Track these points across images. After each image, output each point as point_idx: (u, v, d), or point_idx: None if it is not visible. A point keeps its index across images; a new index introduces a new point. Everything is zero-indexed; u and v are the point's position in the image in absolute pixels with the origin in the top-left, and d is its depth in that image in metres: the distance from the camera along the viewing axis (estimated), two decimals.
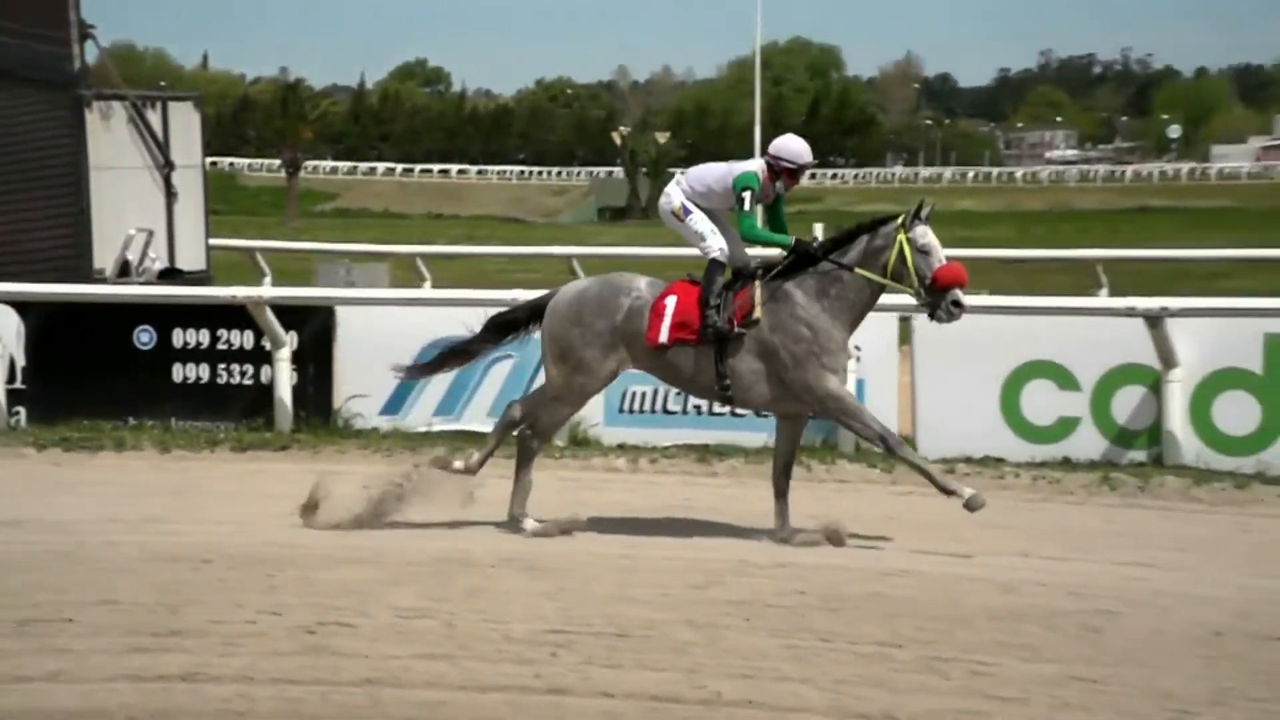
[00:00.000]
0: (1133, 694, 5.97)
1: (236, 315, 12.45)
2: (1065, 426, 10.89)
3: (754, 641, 6.68)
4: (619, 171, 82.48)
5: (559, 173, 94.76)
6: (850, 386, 11.32)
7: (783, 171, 8.88)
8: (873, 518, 9.18)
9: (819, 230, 23.68)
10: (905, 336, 11.49)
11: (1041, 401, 10.94)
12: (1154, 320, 10.49)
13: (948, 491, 8.52)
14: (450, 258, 26.09)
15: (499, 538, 8.73)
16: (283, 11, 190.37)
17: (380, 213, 76.31)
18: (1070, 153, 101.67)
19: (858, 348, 11.36)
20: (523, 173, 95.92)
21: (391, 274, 21.69)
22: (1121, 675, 6.19)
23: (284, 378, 12.30)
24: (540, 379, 9.64)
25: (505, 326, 9.30)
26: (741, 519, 9.07)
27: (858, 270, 8.60)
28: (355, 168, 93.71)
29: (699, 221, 8.95)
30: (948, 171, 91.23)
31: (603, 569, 8.01)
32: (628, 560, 8.24)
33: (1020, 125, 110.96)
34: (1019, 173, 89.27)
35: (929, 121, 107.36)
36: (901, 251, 8.51)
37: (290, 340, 12.35)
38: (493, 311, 9.60)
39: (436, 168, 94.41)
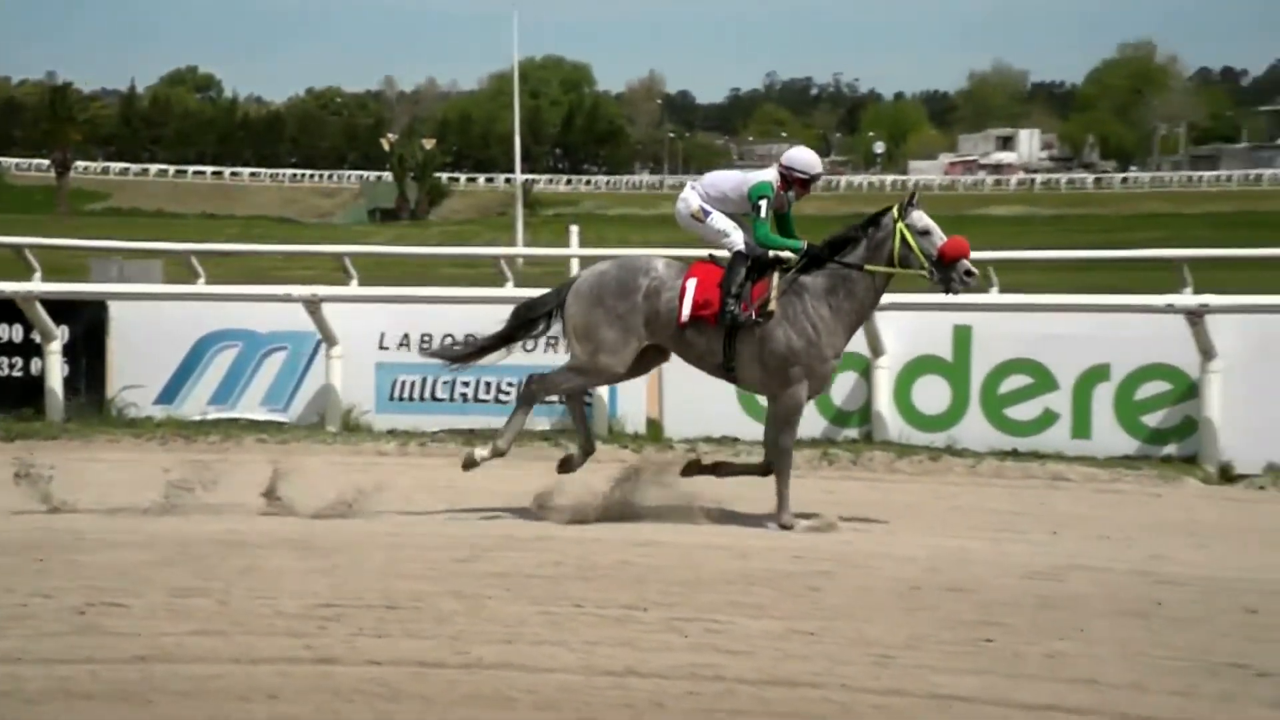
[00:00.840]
0: (843, 643, 6.19)
1: (6, 310, 11.98)
2: None
3: (514, 609, 6.69)
4: (388, 175, 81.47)
5: (330, 176, 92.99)
6: None
7: (795, 181, 8.77)
8: (621, 493, 9.24)
9: (574, 232, 23.92)
10: None
11: None
12: None
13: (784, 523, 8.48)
14: (225, 255, 25.37)
15: (273, 521, 8.54)
16: (48, 16, 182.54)
17: (153, 212, 73.77)
18: None
19: None
20: (294, 175, 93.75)
21: (165, 271, 21.01)
22: (835, 627, 6.41)
23: (55, 370, 11.87)
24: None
25: (532, 315, 9.08)
26: (504, 498, 9.05)
27: (867, 267, 8.51)
28: (127, 169, 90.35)
29: (719, 220, 8.81)
30: (688, 179, 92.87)
31: (373, 546, 7.90)
32: (397, 537, 8.16)
33: (751, 139, 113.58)
34: None
35: (671, 134, 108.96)
36: (903, 238, 8.44)
37: (62, 334, 11.93)
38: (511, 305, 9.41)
39: (209, 170, 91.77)
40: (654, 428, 11.47)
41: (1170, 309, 10.41)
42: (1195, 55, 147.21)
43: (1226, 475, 9.79)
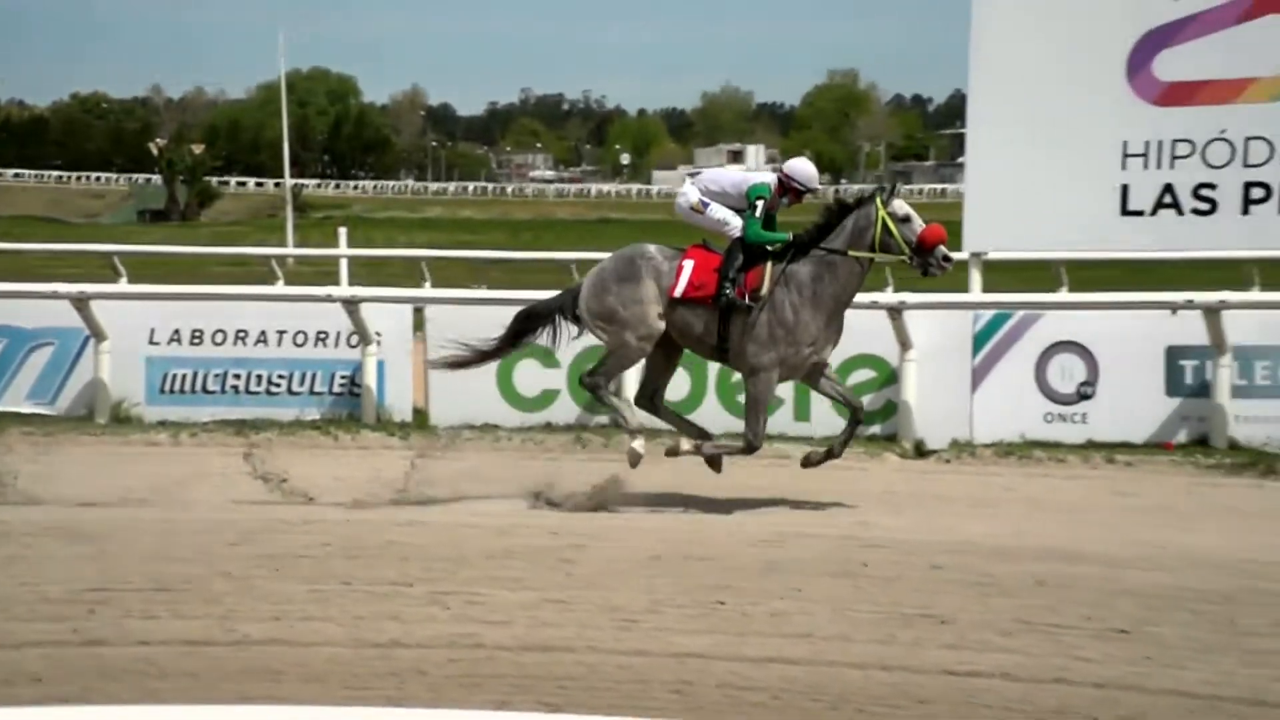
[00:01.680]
0: (592, 610, 6.24)
1: None
2: (548, 397, 11.24)
3: (283, 588, 6.53)
4: (158, 178, 78.23)
5: (97, 178, 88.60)
6: (371, 369, 11.41)
7: (791, 190, 8.70)
8: (391, 478, 9.13)
9: (343, 233, 23.46)
10: (419, 324, 11.63)
11: (530, 377, 11.24)
12: None
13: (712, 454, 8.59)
14: None
15: (40, 510, 8.11)
16: None
17: None
18: (549, 173, 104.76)
19: (378, 333, 11.44)
20: (61, 177, 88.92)
21: None
22: (585, 596, 6.46)
23: None
24: None
25: (531, 318, 8.95)
26: (276, 485, 8.81)
27: (850, 252, 8.36)
28: None
29: (718, 210, 8.70)
30: (451, 185, 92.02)
31: (143, 532, 7.59)
32: (168, 524, 7.85)
33: (509, 149, 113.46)
34: (509, 188, 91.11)
35: (435, 143, 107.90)
36: (885, 225, 8.29)
37: None
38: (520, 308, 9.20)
39: None
40: (421, 416, 11.36)
41: (875, 305, 10.79)
42: (891, 84, 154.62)
43: (920, 451, 10.20)
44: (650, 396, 8.91)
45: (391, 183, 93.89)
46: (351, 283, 17.45)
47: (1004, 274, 12.97)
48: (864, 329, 10.66)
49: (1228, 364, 9.79)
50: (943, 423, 10.29)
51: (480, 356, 9.16)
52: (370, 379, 11.36)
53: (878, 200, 8.36)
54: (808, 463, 8.74)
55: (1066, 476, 9.29)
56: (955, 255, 11.80)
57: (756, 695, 5.26)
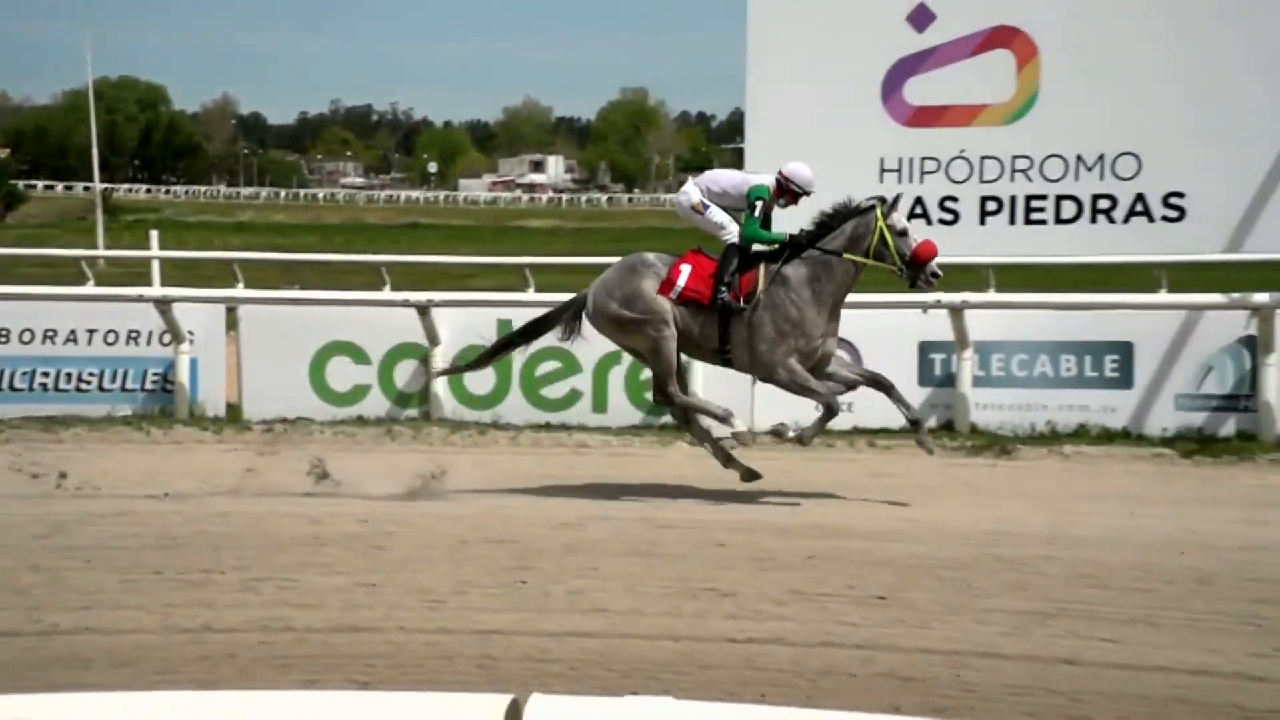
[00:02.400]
0: (401, 592, 6.19)
1: None
2: (359, 392, 11.06)
3: (94, 578, 6.29)
4: None
5: None
6: (184, 366, 11.06)
7: (789, 192, 8.48)
8: (206, 472, 8.88)
9: (155, 235, 22.56)
10: (233, 323, 11.34)
11: (341, 373, 11.07)
12: (423, 310, 10.91)
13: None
14: None
15: None
16: None
17: None
18: (359, 180, 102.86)
19: (191, 332, 11.11)
20: None
21: None
22: (395, 579, 6.39)
23: None
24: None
25: (544, 322, 8.74)
26: (82, 478, 8.45)
27: (845, 255, 8.18)
28: None
29: (717, 214, 8.45)
30: (263, 191, 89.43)
31: None
32: None
33: (320, 156, 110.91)
34: (320, 194, 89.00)
35: (246, 150, 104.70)
36: (882, 235, 8.11)
37: None
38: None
39: None
40: (234, 411, 11.05)
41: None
42: (678, 101, 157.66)
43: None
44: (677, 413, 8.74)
45: (204, 188, 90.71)
46: (164, 284, 16.81)
47: None
48: None
49: (969, 357, 10.23)
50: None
51: (486, 358, 9.10)
52: (183, 376, 11.02)
53: (878, 211, 8.22)
54: (921, 445, 8.39)
55: (836, 460, 9.56)
56: None
57: (555, 667, 5.30)
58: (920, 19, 10.36)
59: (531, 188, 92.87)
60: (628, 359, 10.81)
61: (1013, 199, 10.30)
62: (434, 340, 10.94)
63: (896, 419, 10.28)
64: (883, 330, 10.55)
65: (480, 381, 10.99)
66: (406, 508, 8.01)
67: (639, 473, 9.27)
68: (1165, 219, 9.94)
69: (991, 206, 10.34)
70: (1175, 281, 13.99)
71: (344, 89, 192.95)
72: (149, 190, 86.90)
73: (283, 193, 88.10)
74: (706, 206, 8.51)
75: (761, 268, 8.29)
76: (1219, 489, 8.21)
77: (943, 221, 10.48)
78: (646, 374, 10.81)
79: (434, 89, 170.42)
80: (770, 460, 9.56)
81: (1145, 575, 6.29)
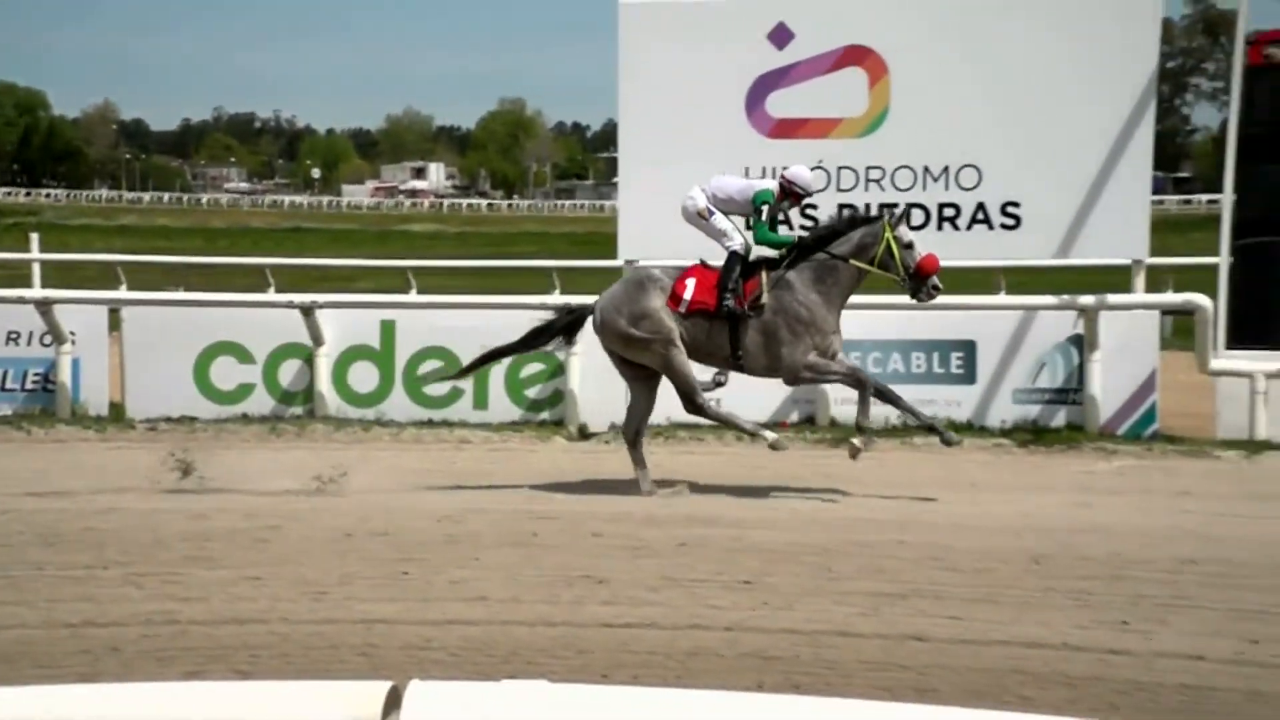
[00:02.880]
0: (285, 585, 6.08)
1: None
2: (243, 391, 10.86)
3: None
4: None
5: None
6: (65, 366, 10.70)
7: (792, 194, 8.40)
8: (92, 465, 8.62)
9: (35, 238, 21.74)
10: (116, 324, 11.03)
11: (225, 372, 10.84)
12: (307, 311, 10.73)
13: (927, 425, 8.23)
14: None
15: None
16: None
17: None
18: (243, 185, 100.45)
19: (73, 333, 10.76)
20: None
21: None
22: (279, 572, 6.27)
23: None
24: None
25: (544, 330, 8.61)
26: None
27: (851, 261, 8.05)
28: None
29: (721, 221, 8.31)
30: (146, 195, 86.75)
31: None
32: None
33: (203, 162, 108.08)
34: (204, 198, 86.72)
35: (128, 155, 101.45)
36: (889, 246, 8.00)
37: None
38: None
39: None
40: (117, 410, 10.74)
41: (544, 306, 10.92)
42: (554, 111, 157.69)
43: (584, 433, 10.41)
44: (634, 435, 8.43)
45: (86, 192, 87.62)
46: (45, 286, 16.21)
47: None
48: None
49: None
50: (602, 409, 10.52)
51: (483, 362, 8.96)
52: (64, 376, 10.69)
53: (886, 222, 8.16)
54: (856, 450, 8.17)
55: (706, 453, 9.65)
56: (610, 264, 12.16)
57: (437, 654, 5.25)
58: (780, 37, 10.54)
59: (414, 193, 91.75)
60: (507, 359, 10.78)
61: (867, 207, 10.50)
62: (318, 340, 10.78)
63: (767, 413, 10.47)
64: None
65: (364, 380, 10.86)
66: (291, 503, 7.85)
67: (518, 467, 9.24)
68: (1003, 226, 10.25)
69: (847, 214, 10.52)
70: (1012, 284, 14.44)
71: (227, 97, 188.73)
72: (28, 194, 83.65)
73: (166, 197, 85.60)
74: (711, 213, 8.41)
75: (763, 274, 8.21)
76: (1050, 476, 8.49)
77: (804, 228, 10.63)
78: (526, 372, 10.84)
79: (316, 98, 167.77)
80: (647, 454, 9.62)
81: (987, 557, 6.46)
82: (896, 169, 10.42)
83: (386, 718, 2.01)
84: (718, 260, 8.33)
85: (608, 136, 79.62)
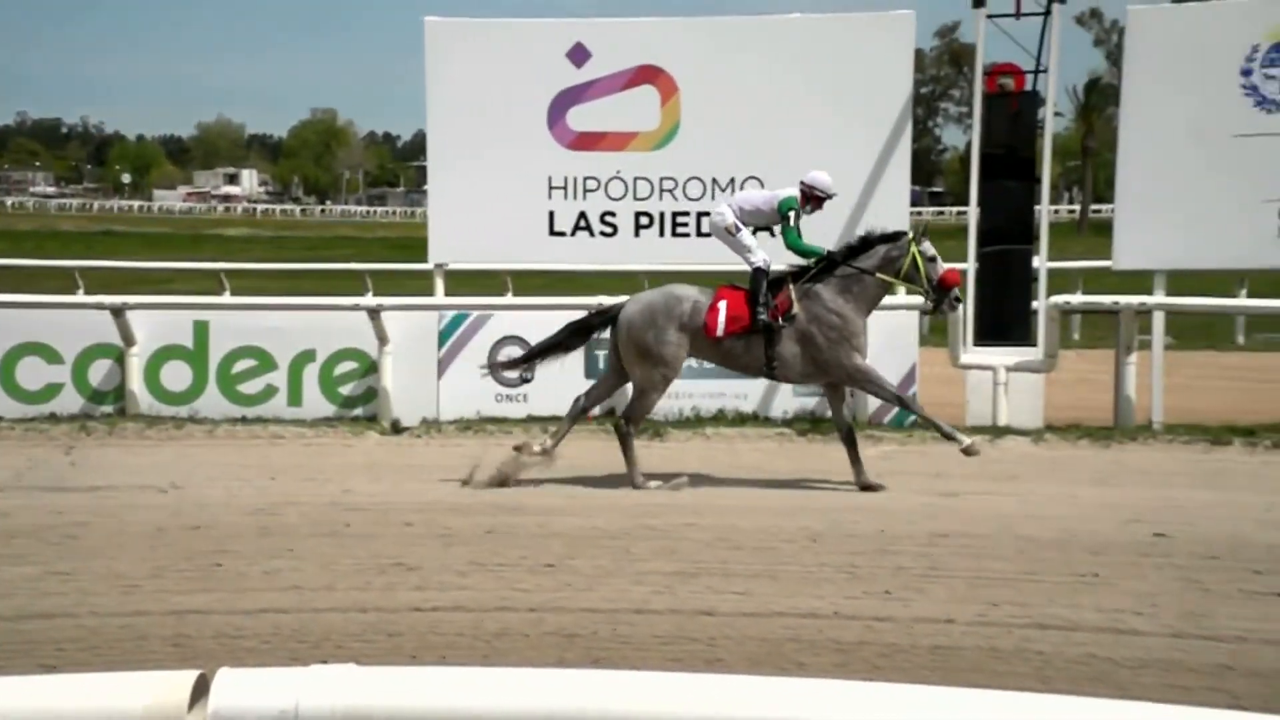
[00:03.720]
0: (95, 579, 5.78)
1: None
2: (51, 391, 10.30)
3: None
4: None
5: None
6: None
7: (813, 198, 8.29)
8: None
9: None
10: None
11: (32, 373, 10.25)
12: (117, 312, 10.24)
13: (951, 439, 8.00)
14: None
15: None
16: None
17: None
18: (50, 189, 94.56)
19: None
20: None
21: None
22: (89, 567, 5.96)
23: None
24: None
25: (581, 330, 8.38)
26: None
27: (878, 275, 8.00)
28: None
29: (746, 237, 8.20)
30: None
31: None
32: None
33: (7, 166, 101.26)
34: (10, 201, 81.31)
35: None
36: (915, 260, 7.94)
37: None
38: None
39: None
40: None
41: (357, 307, 10.74)
42: (365, 121, 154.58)
43: (396, 428, 10.24)
44: (581, 410, 8.41)
45: None
46: None
47: (462, 281, 13.25)
48: (348, 327, 10.59)
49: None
50: (414, 405, 10.37)
51: (526, 360, 8.76)
52: None
53: (911, 237, 8.14)
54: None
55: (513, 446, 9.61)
56: (422, 267, 11.96)
57: (249, 641, 5.07)
58: (578, 56, 10.61)
59: (227, 199, 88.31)
60: (322, 355, 10.53)
61: (662, 215, 10.69)
62: (129, 341, 10.27)
63: (567, 406, 10.48)
64: (551, 328, 10.68)
65: (177, 379, 10.42)
66: (101, 499, 7.47)
67: (333, 461, 9.02)
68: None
69: (644, 221, 10.69)
70: None
71: (31, 102, 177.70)
72: None
73: None
74: (739, 229, 8.31)
75: (790, 287, 8.14)
76: (827, 462, 8.78)
77: (604, 234, 10.74)
78: (340, 369, 10.58)
79: (126, 105, 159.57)
80: (455, 447, 9.53)
81: (769, 536, 6.63)
82: (688, 180, 10.62)
83: (194, 705, 1.93)
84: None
85: (418, 146, 78.43)
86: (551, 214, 10.71)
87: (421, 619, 5.37)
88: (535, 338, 10.61)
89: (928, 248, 8.13)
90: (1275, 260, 9.74)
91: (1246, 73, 9.65)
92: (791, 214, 8.25)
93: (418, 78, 10.73)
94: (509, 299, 14.74)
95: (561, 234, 10.80)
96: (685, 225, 10.68)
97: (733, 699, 2.02)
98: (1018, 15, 10.88)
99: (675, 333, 8.07)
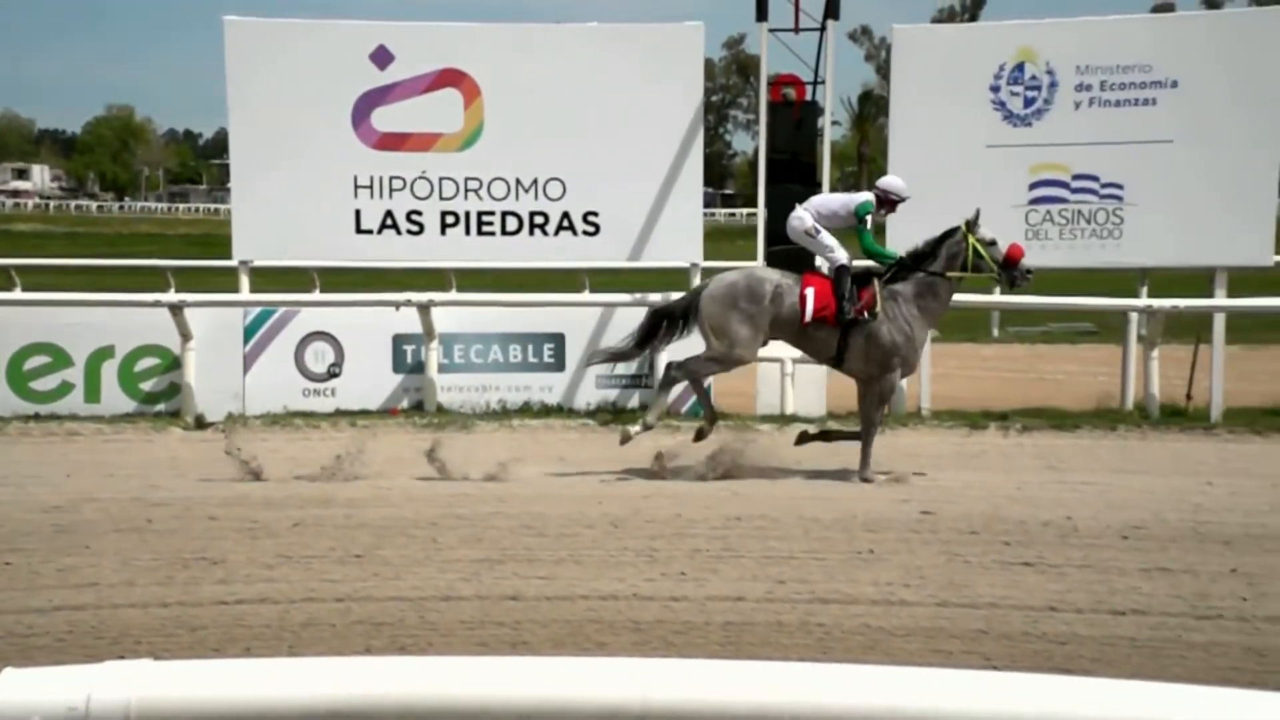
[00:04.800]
0: None
1: None
2: None
3: None
4: None
5: None
6: None
7: (888, 202, 8.31)
8: None
9: None
10: None
11: None
12: None
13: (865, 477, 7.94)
14: None
15: None
16: None
17: None
18: None
19: None
20: None
21: None
22: None
23: None
24: None
25: (665, 317, 8.14)
26: None
27: (948, 274, 7.97)
28: None
29: (827, 237, 8.19)
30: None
31: None
32: None
33: None
34: None
35: None
36: (975, 249, 7.91)
37: None
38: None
39: None
40: None
41: (158, 303, 10.21)
42: (166, 119, 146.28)
43: (200, 424, 9.81)
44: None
45: None
46: None
47: (271, 278, 12.79)
48: (149, 323, 10.08)
49: (435, 347, 10.41)
50: (218, 400, 9.96)
51: (622, 354, 8.50)
52: None
53: (964, 229, 8.00)
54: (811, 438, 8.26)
55: (321, 439, 9.34)
56: (226, 264, 11.47)
57: (42, 640, 4.78)
58: (381, 58, 10.41)
59: (16, 194, 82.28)
60: (121, 352, 10.01)
61: (467, 214, 10.58)
62: None
63: (376, 401, 10.30)
64: (361, 325, 10.49)
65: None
66: None
67: (134, 458, 8.58)
68: (585, 233, 10.62)
69: (450, 220, 10.56)
70: (595, 284, 15.00)
71: None
72: None
73: None
74: (818, 231, 8.27)
75: (876, 284, 8.06)
76: (627, 450, 8.90)
77: (410, 232, 10.56)
78: (141, 365, 10.06)
79: None
80: (261, 441, 9.18)
81: (573, 523, 6.67)
82: (492, 180, 10.54)
83: None
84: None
85: (221, 144, 75.05)
86: (358, 212, 10.46)
87: (225, 612, 5.18)
88: (342, 333, 10.41)
89: (984, 233, 8.09)
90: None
91: (995, 89, 10.27)
92: (868, 218, 8.28)
93: (219, 76, 10.28)
94: (317, 295, 14.31)
95: (368, 232, 10.56)
96: (491, 224, 10.61)
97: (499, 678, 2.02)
98: (796, 30, 11.28)
99: (755, 315, 7.98)
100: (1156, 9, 44.00)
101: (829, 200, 8.63)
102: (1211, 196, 9.88)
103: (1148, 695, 1.90)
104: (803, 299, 8.00)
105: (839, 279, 8.12)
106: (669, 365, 8.37)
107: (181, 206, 76.33)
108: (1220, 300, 9.99)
